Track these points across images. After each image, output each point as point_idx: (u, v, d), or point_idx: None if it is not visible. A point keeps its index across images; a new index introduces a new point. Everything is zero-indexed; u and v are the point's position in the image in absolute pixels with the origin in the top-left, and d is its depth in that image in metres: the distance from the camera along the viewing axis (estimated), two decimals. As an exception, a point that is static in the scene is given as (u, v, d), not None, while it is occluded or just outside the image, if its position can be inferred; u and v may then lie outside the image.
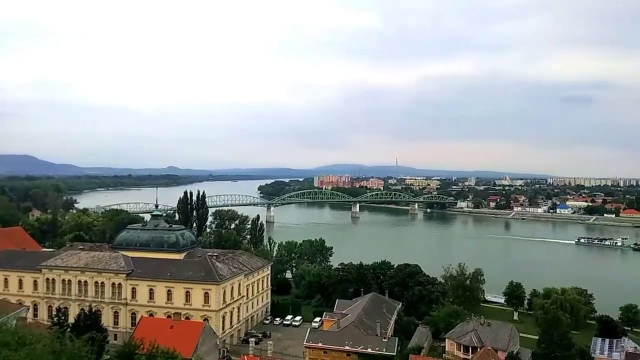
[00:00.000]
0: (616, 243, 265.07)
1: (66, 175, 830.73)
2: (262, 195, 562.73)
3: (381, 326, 75.98)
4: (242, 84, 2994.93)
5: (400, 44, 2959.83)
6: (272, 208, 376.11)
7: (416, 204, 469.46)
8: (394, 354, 68.50)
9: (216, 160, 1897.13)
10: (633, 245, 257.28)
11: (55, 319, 67.36)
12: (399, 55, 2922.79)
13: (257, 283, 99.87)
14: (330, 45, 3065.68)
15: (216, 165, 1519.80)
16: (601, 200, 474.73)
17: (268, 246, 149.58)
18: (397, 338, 75.03)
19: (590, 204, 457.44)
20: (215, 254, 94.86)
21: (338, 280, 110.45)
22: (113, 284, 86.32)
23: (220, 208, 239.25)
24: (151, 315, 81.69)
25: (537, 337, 79.36)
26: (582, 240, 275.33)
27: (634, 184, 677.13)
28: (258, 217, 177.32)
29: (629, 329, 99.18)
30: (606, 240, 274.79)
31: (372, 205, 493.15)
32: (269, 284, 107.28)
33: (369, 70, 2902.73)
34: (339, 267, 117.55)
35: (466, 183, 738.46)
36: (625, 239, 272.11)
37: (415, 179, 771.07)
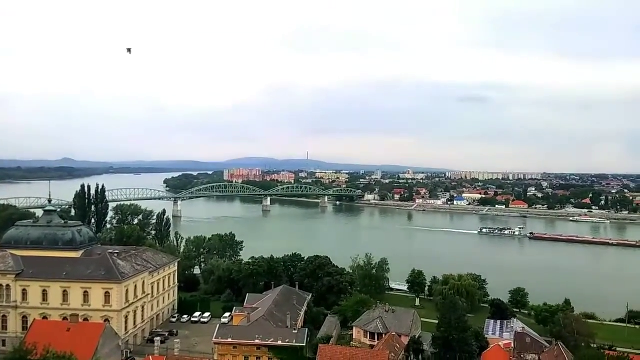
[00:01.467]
0: (514, 232, 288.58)
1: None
2: (168, 189, 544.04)
3: (291, 318, 76.78)
4: (146, 76, 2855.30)
5: (310, 38, 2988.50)
6: (179, 202, 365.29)
7: (326, 197, 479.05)
8: (304, 344, 69.42)
9: (117, 152, 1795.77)
10: (529, 235, 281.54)
11: None
12: (309, 49, 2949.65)
13: (163, 280, 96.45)
14: (239, 37, 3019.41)
15: (117, 157, 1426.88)
16: (493, 193, 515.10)
17: (175, 242, 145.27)
18: (307, 329, 76.14)
19: (483, 196, 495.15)
20: (117, 251, 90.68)
21: (249, 274, 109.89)
22: (0, 285, 79.12)
23: (122, 203, 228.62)
24: (45, 318, 76.21)
25: (437, 322, 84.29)
26: (484, 230, 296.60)
27: (522, 177, 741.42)
28: (164, 211, 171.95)
29: (518, 310, 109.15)
30: (506, 230, 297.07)
31: (283, 198, 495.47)
32: (176, 280, 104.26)
33: (280, 63, 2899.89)
34: (250, 261, 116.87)
35: (373, 176, 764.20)
36: (523, 228, 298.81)
37: (325, 173, 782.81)
